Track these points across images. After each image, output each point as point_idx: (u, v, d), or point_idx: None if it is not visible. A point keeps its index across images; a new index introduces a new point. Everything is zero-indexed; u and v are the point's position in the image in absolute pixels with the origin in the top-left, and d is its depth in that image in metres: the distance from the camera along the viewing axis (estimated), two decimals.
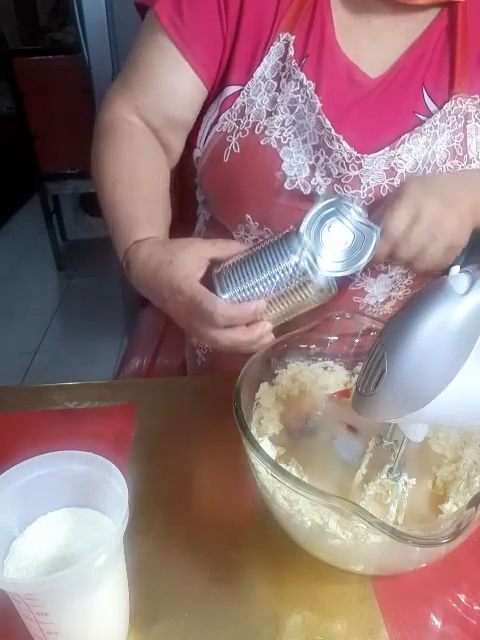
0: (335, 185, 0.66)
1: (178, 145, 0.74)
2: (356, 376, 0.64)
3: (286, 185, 0.67)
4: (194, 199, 0.85)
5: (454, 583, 0.51)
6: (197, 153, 0.74)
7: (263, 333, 0.54)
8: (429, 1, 0.65)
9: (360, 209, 0.56)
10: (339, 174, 0.66)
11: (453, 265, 0.39)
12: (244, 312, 0.53)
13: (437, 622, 0.48)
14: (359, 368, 0.64)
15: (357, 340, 0.64)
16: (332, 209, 0.55)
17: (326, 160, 0.66)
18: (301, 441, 0.57)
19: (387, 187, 0.66)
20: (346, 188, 0.66)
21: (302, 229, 0.54)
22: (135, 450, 0.64)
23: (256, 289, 0.54)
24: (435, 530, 0.39)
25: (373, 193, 0.66)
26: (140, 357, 1.16)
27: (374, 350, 0.42)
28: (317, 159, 0.66)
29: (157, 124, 0.71)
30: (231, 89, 0.68)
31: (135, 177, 0.67)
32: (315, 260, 0.53)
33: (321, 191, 0.67)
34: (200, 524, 0.56)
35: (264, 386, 0.60)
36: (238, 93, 0.68)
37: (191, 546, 0.54)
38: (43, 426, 0.67)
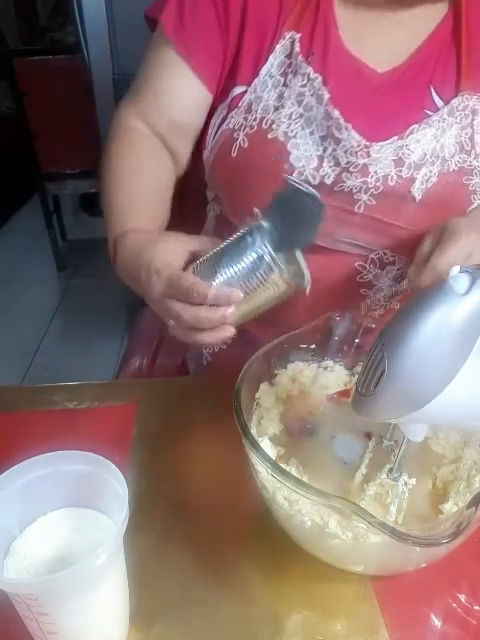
0: (343, 174, 0.67)
1: (184, 151, 0.76)
2: (356, 376, 0.64)
3: (294, 176, 0.67)
4: (197, 201, 0.86)
5: (454, 583, 0.51)
6: (206, 154, 0.76)
7: (226, 315, 0.53)
8: None
9: (300, 184, 0.55)
10: (347, 163, 0.67)
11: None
12: (219, 294, 0.52)
13: (437, 622, 0.48)
14: (359, 368, 0.64)
15: (357, 340, 0.64)
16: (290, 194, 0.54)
17: (334, 150, 0.67)
18: (301, 441, 0.57)
19: (395, 177, 0.67)
20: (355, 176, 0.67)
21: (260, 220, 0.54)
22: (135, 450, 0.65)
23: (228, 280, 0.53)
24: (435, 530, 0.39)
25: (381, 182, 0.67)
26: (140, 357, 1.16)
27: (374, 350, 0.42)
28: (325, 149, 0.67)
29: (162, 129, 0.73)
30: (238, 89, 0.70)
31: (136, 175, 0.70)
32: (273, 246, 0.53)
33: (329, 181, 0.68)
34: (200, 524, 0.56)
35: (264, 386, 0.60)
36: (245, 92, 0.69)
37: (191, 546, 0.54)
38: (43, 426, 0.67)
